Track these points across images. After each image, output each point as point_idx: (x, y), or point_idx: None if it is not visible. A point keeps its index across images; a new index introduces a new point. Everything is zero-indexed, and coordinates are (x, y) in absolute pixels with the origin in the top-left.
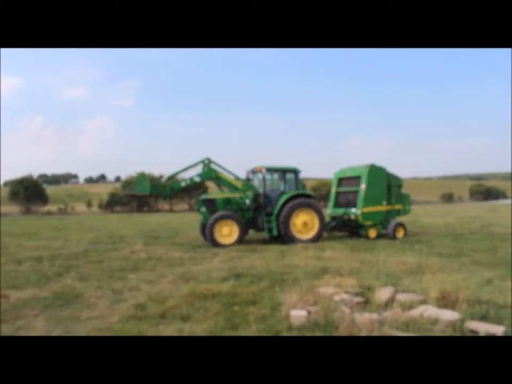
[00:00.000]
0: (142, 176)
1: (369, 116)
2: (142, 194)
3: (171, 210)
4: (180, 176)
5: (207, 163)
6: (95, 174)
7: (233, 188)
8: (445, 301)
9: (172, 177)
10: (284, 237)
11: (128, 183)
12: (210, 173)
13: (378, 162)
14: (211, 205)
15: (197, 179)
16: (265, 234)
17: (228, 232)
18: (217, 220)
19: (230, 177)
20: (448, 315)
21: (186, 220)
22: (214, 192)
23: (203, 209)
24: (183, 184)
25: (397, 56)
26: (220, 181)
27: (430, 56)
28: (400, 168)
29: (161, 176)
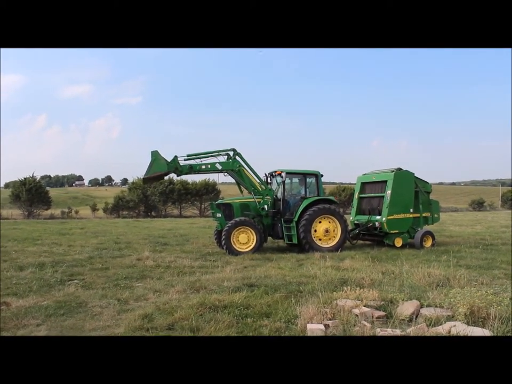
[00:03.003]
0: (155, 155)
1: (389, 117)
2: (160, 173)
3: (180, 215)
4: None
5: (233, 154)
6: (100, 175)
7: (253, 188)
8: (474, 317)
9: (191, 155)
10: (304, 245)
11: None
12: (234, 164)
13: (400, 166)
14: (227, 210)
15: (219, 167)
16: (284, 242)
17: (245, 240)
18: (235, 226)
19: (252, 176)
20: (479, 332)
21: (196, 225)
22: (226, 197)
23: (219, 214)
24: (203, 167)
25: (421, 56)
26: (241, 177)
27: (455, 57)
28: (425, 172)
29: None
